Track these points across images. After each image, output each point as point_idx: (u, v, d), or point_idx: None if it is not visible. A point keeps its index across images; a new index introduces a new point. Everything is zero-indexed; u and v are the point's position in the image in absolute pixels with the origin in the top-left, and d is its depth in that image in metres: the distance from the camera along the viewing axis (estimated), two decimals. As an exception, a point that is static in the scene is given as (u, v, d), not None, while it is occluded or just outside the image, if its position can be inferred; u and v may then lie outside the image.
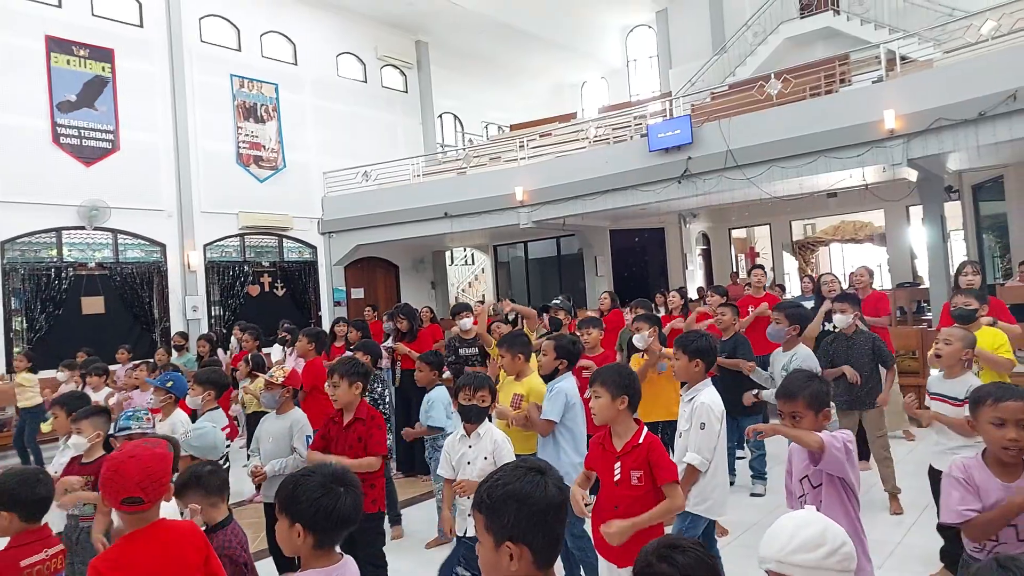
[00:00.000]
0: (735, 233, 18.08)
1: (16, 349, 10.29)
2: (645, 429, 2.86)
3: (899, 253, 14.88)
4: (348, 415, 3.75)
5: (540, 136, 15.09)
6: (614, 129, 13.66)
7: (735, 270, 17.39)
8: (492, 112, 20.36)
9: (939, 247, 10.02)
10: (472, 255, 19.89)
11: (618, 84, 21.89)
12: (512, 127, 18.48)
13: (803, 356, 4.50)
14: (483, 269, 19.70)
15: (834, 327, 5.61)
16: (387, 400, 5.28)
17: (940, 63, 9.93)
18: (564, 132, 15.38)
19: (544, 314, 7.95)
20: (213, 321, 13.10)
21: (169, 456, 2.32)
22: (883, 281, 14.68)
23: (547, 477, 1.48)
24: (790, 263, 17.07)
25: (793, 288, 14.63)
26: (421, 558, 4.69)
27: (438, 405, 4.68)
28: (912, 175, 10.27)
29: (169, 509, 2.66)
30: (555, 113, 18.51)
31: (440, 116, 18.88)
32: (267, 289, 14.26)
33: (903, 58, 10.31)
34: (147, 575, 2.13)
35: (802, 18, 15.58)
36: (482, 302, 9.30)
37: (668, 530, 3.18)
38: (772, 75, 11.30)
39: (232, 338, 9.61)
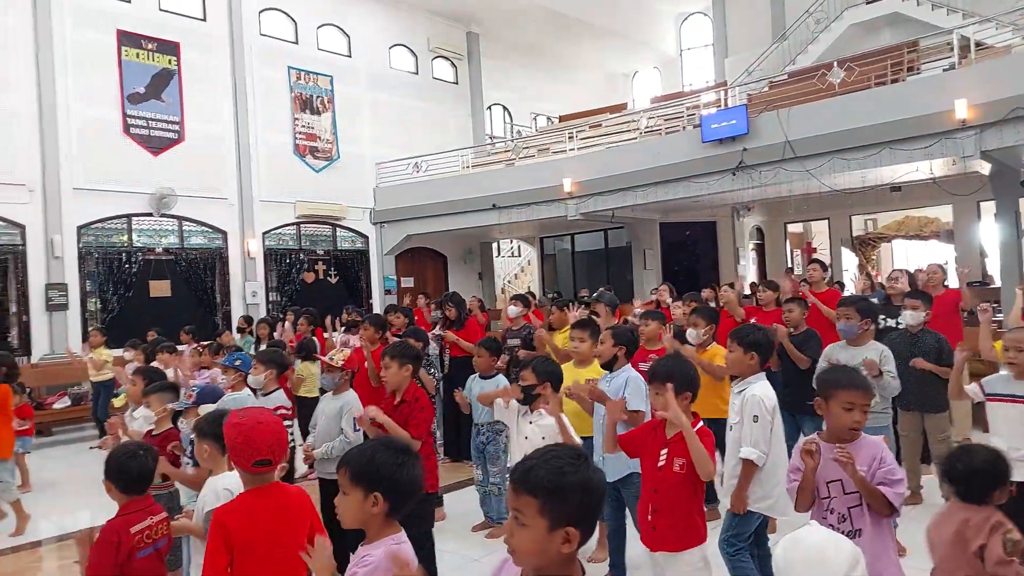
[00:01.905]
0: (791, 228, 17.60)
1: (90, 328, 10.83)
2: (701, 422, 2.84)
3: (968, 251, 14.24)
4: (398, 397, 3.83)
5: (590, 127, 14.97)
6: (666, 120, 13.46)
7: (790, 266, 16.95)
8: (541, 103, 20.30)
9: (1012, 245, 9.57)
10: (519, 247, 19.92)
11: (671, 74, 21.52)
12: (561, 118, 18.38)
13: (877, 351, 4.19)
14: (529, 261, 19.71)
15: (897, 324, 5.42)
16: (437, 385, 5.36)
17: (1019, 49, 9.46)
18: (614, 123, 15.22)
19: (584, 307, 7.89)
20: (271, 306, 13.49)
21: (282, 422, 2.45)
22: (949, 280, 14.09)
23: (594, 464, 1.54)
24: (849, 259, 16.54)
25: (852, 286, 14.20)
26: (468, 540, 4.79)
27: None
28: (985, 168, 9.81)
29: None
30: (606, 104, 18.33)
31: (489, 107, 18.92)
32: (321, 276, 14.61)
33: (978, 44, 9.84)
34: (265, 527, 2.24)
35: (868, 3, 15.01)
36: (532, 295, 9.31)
37: (716, 528, 3.15)
38: (835, 63, 10.94)
39: (286, 322, 9.93)
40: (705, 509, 2.97)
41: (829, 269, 9.47)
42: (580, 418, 3.91)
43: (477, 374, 4.98)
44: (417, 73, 16.85)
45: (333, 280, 14.81)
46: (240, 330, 9.96)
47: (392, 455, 1.90)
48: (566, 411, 3.60)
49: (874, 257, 17.06)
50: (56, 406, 9.75)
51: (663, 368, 2.91)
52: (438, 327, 7.40)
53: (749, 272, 16.47)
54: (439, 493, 5.29)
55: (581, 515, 1.44)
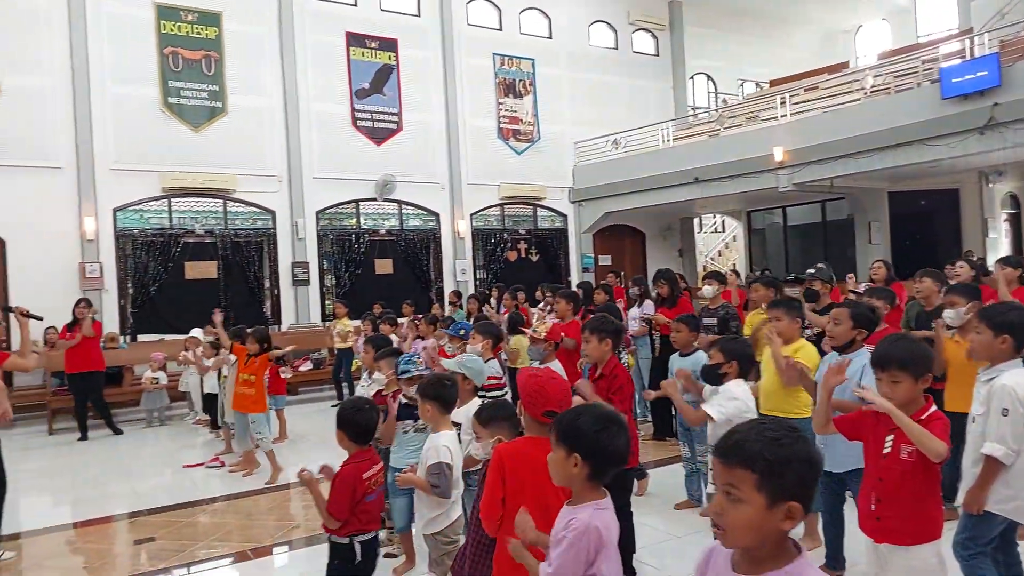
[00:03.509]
0: (1058, 193, 14.90)
1: (327, 302, 12.35)
2: (933, 406, 2.57)
3: None
4: (598, 370, 3.92)
5: (805, 90, 13.85)
6: (896, 77, 12.06)
7: (1055, 238, 14.40)
8: (749, 69, 19.09)
9: None
10: (723, 222, 19.06)
11: (903, 25, 19.11)
12: (772, 83, 17.17)
13: None
14: (734, 237, 18.79)
15: None
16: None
17: None
18: (834, 84, 13.91)
19: (798, 286, 7.41)
20: (478, 283, 14.36)
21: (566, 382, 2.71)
22: None
23: (808, 438, 1.47)
24: None
25: None
26: (670, 517, 4.78)
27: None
28: None
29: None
30: (823, 64, 16.78)
31: (692, 77, 18.20)
32: (523, 255, 15.23)
33: None
34: (533, 470, 2.38)
35: None
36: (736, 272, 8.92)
37: (949, 532, 2.83)
38: (1125, -8, 9.01)
39: (492, 298, 10.57)
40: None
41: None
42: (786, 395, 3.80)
43: (677, 352, 4.92)
44: (616, 48, 16.69)
45: (534, 258, 15.36)
46: (452, 304, 10.86)
47: (595, 420, 1.94)
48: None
49: None
50: (301, 369, 11.25)
51: (886, 351, 2.64)
52: (647, 305, 7.36)
53: (1001, 246, 14.28)
54: (640, 467, 5.36)
55: (802, 490, 1.39)
